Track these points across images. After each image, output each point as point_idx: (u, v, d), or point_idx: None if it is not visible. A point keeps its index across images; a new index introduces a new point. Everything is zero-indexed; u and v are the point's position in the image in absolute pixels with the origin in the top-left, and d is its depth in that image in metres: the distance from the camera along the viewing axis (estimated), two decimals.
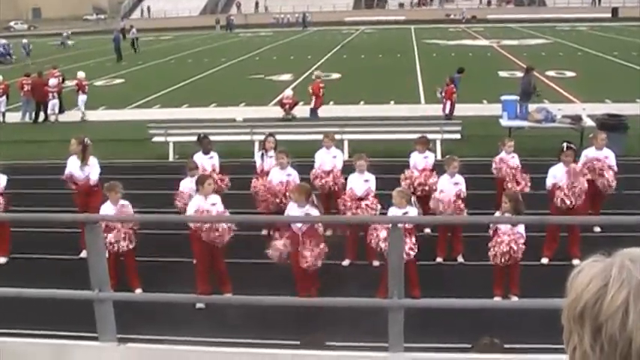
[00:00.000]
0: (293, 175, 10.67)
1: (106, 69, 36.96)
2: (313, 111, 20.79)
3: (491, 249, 8.64)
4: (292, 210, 9.01)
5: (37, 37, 64.86)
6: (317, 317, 8.00)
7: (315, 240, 8.77)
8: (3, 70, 30.83)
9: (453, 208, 9.86)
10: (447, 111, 19.51)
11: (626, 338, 1.16)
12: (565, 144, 10.28)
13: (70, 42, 54.94)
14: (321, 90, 20.79)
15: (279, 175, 10.62)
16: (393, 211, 8.87)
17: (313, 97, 20.86)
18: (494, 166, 11.57)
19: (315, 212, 8.95)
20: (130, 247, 9.25)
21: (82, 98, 23.14)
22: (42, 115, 23.35)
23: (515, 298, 8.65)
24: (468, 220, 9.87)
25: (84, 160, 10.85)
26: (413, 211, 8.92)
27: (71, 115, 23.66)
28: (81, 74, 23.87)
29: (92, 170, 10.91)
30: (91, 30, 62.62)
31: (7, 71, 31.74)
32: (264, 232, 11.04)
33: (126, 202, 9.55)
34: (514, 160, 11.42)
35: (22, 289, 6.62)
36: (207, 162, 11.43)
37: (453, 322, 7.66)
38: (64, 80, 25.15)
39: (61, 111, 23.67)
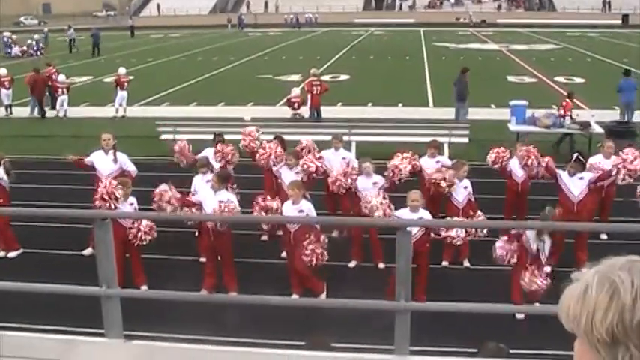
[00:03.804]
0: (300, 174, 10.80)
1: (115, 65, 37.10)
2: (311, 109, 20.81)
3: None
4: (288, 209, 9.06)
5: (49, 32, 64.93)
6: (322, 318, 8.01)
7: (315, 235, 8.81)
8: (10, 64, 30.94)
9: (464, 213, 9.90)
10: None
11: None
12: (575, 154, 10.28)
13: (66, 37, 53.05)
14: (313, 88, 20.68)
15: (288, 175, 10.66)
16: (406, 214, 8.84)
17: (308, 96, 20.93)
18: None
19: (308, 205, 9.08)
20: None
21: (120, 95, 22.66)
22: (47, 109, 23.41)
23: (537, 305, 8.48)
24: (474, 225, 9.85)
25: (115, 155, 11.03)
26: (427, 216, 8.91)
27: (76, 112, 23.71)
28: (121, 70, 23.48)
29: (128, 163, 11.20)
30: (101, 26, 62.60)
31: (14, 66, 31.90)
32: (265, 237, 11.26)
33: (133, 200, 9.60)
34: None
35: (30, 284, 6.64)
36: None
37: (459, 326, 7.66)
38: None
39: (53, 107, 23.63)
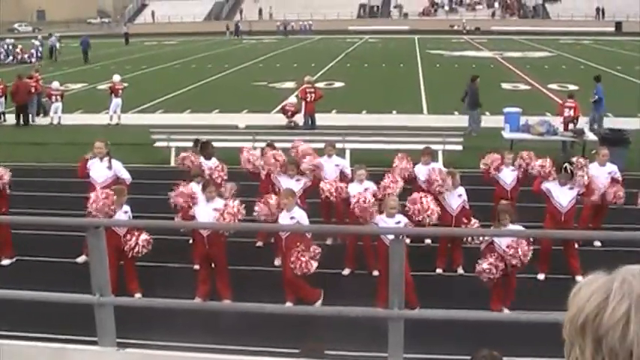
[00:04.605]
0: (302, 182, 10.80)
1: (109, 72, 37.10)
2: (306, 116, 20.81)
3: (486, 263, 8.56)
4: (284, 218, 9.05)
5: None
6: (316, 326, 8.00)
7: (305, 243, 8.78)
8: (4, 71, 30.90)
9: (457, 220, 9.92)
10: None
11: (627, 349, 1.20)
12: (566, 165, 10.27)
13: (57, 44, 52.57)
14: (308, 95, 20.70)
15: (288, 183, 10.65)
16: (383, 220, 8.85)
17: (303, 103, 20.94)
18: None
19: (300, 213, 9.05)
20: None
21: (115, 102, 22.48)
22: (38, 118, 23.40)
23: (506, 311, 8.56)
24: (467, 233, 9.85)
25: (109, 162, 11.01)
26: (404, 220, 8.91)
27: (70, 119, 23.66)
28: (116, 77, 23.33)
29: (122, 171, 11.11)
30: (95, 33, 62.71)
31: (8, 72, 31.84)
32: (260, 243, 11.27)
33: (127, 208, 9.56)
34: (512, 174, 11.38)
35: (23, 292, 6.63)
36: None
37: (453, 333, 7.65)
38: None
39: (45, 114, 23.65)
